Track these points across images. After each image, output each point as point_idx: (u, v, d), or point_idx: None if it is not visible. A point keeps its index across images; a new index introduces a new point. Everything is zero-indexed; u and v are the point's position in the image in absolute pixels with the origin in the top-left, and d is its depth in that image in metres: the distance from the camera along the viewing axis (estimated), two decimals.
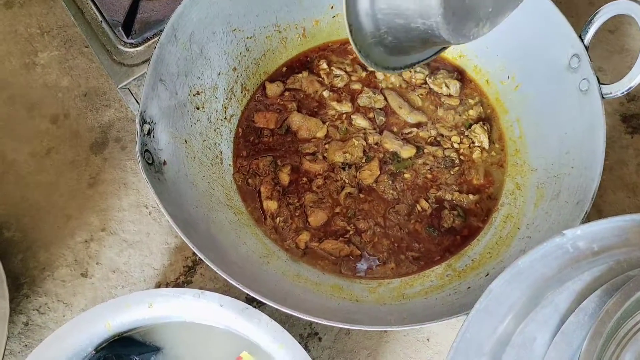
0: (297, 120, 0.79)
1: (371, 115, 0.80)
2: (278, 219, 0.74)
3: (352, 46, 0.52)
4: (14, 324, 0.73)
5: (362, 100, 0.80)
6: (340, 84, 0.82)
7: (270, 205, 0.74)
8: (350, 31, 0.50)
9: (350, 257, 0.72)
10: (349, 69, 0.83)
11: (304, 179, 0.76)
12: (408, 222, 0.73)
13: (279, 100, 0.81)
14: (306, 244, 0.73)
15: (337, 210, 0.74)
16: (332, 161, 0.77)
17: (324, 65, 0.83)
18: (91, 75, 0.88)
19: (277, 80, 0.82)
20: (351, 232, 0.73)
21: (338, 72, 0.82)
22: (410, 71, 0.82)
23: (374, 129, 0.79)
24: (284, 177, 0.76)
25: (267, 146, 0.78)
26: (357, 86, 0.82)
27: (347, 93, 0.82)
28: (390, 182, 0.75)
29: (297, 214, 0.74)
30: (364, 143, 0.77)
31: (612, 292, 0.45)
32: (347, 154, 0.76)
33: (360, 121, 0.79)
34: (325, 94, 0.81)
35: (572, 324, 0.46)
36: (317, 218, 0.73)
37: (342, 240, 0.72)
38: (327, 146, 0.78)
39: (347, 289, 0.69)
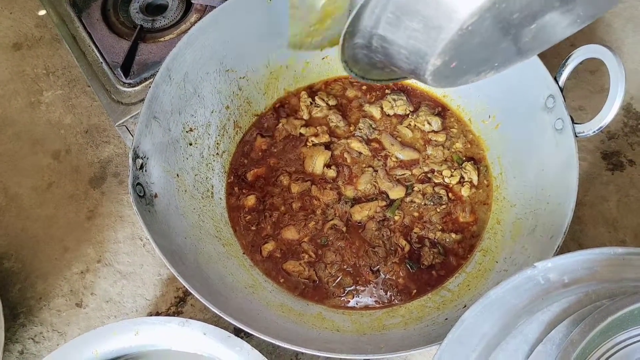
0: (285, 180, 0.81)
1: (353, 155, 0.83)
2: (249, 216, 0.78)
3: (339, 55, 0.53)
4: (9, 353, 0.75)
5: (361, 125, 0.83)
6: (320, 114, 0.85)
7: (249, 200, 0.79)
8: (343, 43, 0.52)
9: (307, 280, 0.74)
10: (331, 102, 0.86)
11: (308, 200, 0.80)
12: (385, 262, 0.75)
13: (265, 150, 0.84)
14: (270, 253, 0.76)
15: (310, 234, 0.77)
16: (343, 194, 0.80)
17: (305, 97, 0.86)
18: (92, 113, 0.92)
19: (267, 134, 0.85)
20: (314, 259, 0.75)
21: (319, 102, 0.85)
22: (391, 101, 0.85)
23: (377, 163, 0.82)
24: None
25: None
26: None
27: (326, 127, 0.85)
28: (377, 232, 0.76)
29: (272, 220, 0.78)
30: (375, 184, 0.80)
31: (579, 323, 0.46)
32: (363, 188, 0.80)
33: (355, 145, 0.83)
34: (303, 130, 0.84)
35: (539, 353, 0.47)
36: (288, 233, 0.77)
37: (302, 263, 0.75)
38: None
39: (329, 319, 0.70)
